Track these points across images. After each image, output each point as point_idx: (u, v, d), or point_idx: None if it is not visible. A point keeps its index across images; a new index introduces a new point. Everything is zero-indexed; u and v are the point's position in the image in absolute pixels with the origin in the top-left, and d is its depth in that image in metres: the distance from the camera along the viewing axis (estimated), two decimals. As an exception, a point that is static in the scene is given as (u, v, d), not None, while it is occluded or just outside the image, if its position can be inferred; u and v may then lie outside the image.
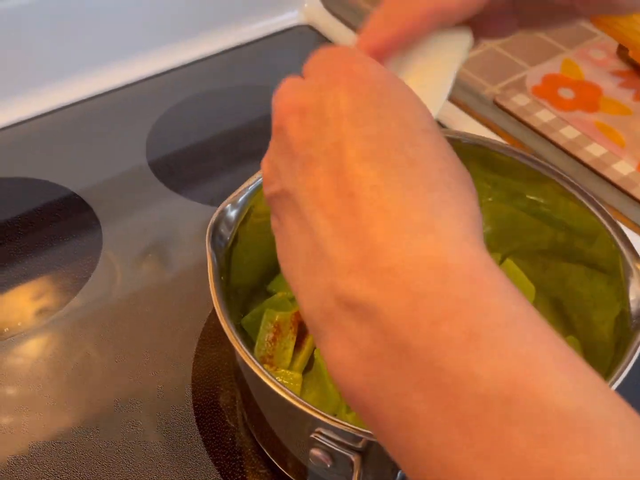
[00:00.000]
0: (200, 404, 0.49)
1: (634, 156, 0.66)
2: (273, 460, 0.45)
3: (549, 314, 0.51)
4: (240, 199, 0.46)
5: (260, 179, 0.47)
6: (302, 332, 0.49)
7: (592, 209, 0.46)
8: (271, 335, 0.48)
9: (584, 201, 0.47)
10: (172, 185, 0.64)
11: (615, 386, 0.37)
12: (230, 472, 0.46)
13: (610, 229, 0.45)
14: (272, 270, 0.52)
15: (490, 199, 0.52)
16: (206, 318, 0.54)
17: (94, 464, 0.46)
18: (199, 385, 0.50)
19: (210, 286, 0.40)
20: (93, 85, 0.70)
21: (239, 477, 0.45)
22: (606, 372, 0.38)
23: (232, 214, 0.46)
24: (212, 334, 0.53)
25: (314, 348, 0.47)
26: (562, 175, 0.48)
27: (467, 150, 0.50)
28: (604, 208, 0.46)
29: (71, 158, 0.66)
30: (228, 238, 0.45)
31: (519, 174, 0.49)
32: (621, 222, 0.61)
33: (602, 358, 0.43)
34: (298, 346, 0.49)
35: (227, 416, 0.48)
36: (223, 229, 0.45)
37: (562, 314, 0.51)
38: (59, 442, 0.47)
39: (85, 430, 0.47)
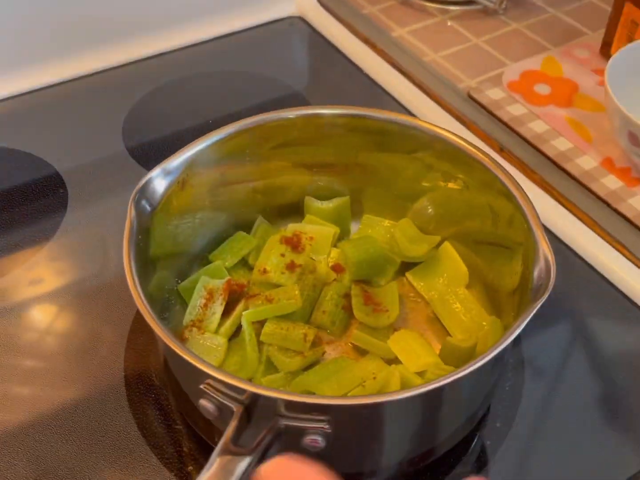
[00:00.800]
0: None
1: (599, 152, 0.66)
2: (187, 420, 0.47)
3: (481, 296, 0.52)
4: (173, 165, 0.49)
5: (197, 148, 0.50)
6: (232, 300, 0.51)
7: (511, 189, 0.47)
8: (203, 301, 0.51)
9: (505, 182, 0.48)
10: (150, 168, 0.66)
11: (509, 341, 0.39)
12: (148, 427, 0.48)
13: (525, 209, 0.46)
14: (214, 240, 0.55)
15: (425, 183, 0.53)
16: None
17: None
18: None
19: (124, 248, 0.43)
20: (76, 67, 0.74)
21: (157, 431, 0.48)
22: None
23: (164, 180, 0.48)
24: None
25: (241, 315, 0.49)
26: (486, 159, 0.49)
27: (404, 134, 0.52)
28: (522, 188, 0.47)
29: (53, 135, 0.69)
30: (156, 203, 0.47)
31: (450, 157, 0.51)
32: (578, 217, 0.61)
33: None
34: (227, 313, 0.51)
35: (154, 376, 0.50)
36: (151, 194, 0.47)
37: (492, 296, 0.52)
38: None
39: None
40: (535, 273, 0.42)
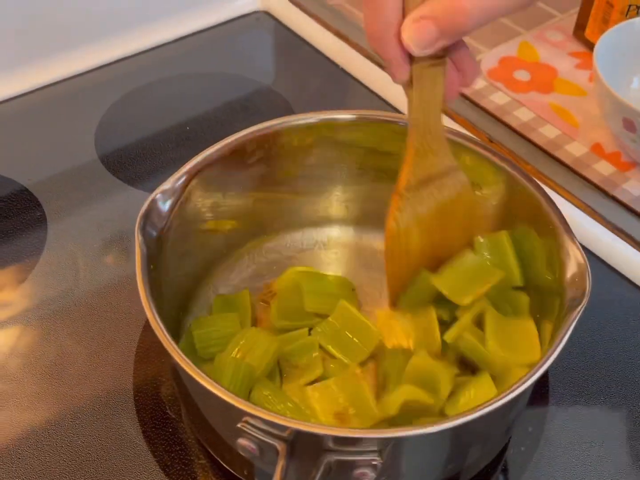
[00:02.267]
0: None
1: (587, 137, 0.66)
2: (213, 455, 0.45)
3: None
4: (176, 185, 0.46)
5: (195, 162, 0.47)
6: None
7: (536, 192, 0.46)
8: None
9: (527, 183, 0.47)
10: (125, 178, 0.63)
11: (552, 358, 0.37)
12: (169, 464, 0.45)
13: (551, 211, 0.45)
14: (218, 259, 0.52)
15: None
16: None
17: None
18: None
19: (137, 276, 0.40)
20: (40, 76, 0.69)
21: (178, 467, 0.45)
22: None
23: (167, 202, 0.45)
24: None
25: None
26: (514, 163, 0.48)
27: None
28: (546, 192, 0.46)
29: (19, 151, 0.65)
30: (162, 226, 0.44)
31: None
32: (574, 204, 0.61)
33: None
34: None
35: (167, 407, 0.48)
36: (155, 218, 0.44)
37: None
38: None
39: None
40: (568, 277, 0.41)
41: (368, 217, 0.55)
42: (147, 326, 0.52)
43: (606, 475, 0.46)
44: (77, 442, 0.46)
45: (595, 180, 0.62)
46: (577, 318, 0.39)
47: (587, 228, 0.59)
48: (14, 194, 0.61)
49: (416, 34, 0.37)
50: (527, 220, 0.47)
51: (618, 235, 0.59)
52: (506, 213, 0.49)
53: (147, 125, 0.68)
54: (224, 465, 0.44)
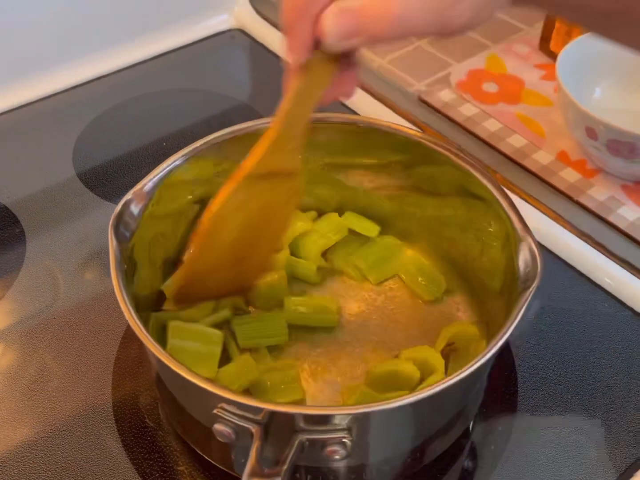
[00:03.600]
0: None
1: (553, 146, 0.68)
2: (197, 450, 0.46)
3: (467, 303, 0.53)
4: (146, 188, 0.47)
5: (168, 168, 0.49)
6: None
7: (485, 181, 0.48)
8: None
9: (477, 175, 0.48)
10: (103, 194, 0.64)
11: (505, 337, 0.40)
12: (148, 472, 0.46)
13: (500, 199, 0.47)
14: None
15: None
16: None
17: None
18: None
19: (112, 277, 0.41)
20: (17, 95, 0.71)
21: (157, 475, 0.46)
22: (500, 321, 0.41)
23: (138, 205, 0.46)
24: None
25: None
26: (458, 153, 0.50)
27: (369, 132, 0.52)
28: (495, 180, 0.48)
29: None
30: (134, 227, 0.45)
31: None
32: (541, 211, 0.63)
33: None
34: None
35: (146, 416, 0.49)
36: (128, 219, 0.45)
37: (479, 301, 0.52)
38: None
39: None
40: (521, 262, 0.43)
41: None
42: (125, 338, 0.53)
43: (573, 476, 0.47)
44: (58, 455, 0.47)
45: (562, 187, 0.64)
46: (529, 298, 0.41)
47: (554, 234, 0.61)
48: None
49: (336, 25, 0.36)
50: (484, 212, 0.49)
51: (585, 241, 0.60)
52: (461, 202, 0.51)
53: (124, 142, 0.69)
54: (202, 454, 0.45)
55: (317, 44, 0.38)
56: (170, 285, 0.51)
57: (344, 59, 0.40)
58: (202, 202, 0.52)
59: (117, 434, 0.48)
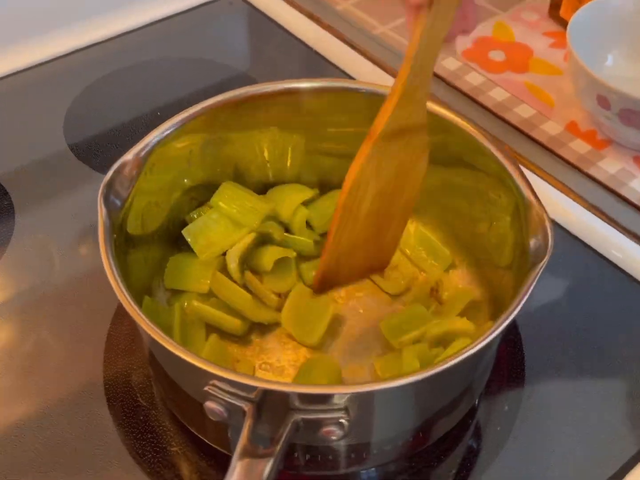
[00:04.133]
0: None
1: (562, 116, 0.65)
2: (191, 429, 0.44)
3: (472, 275, 0.51)
4: (138, 155, 0.45)
5: (164, 134, 0.46)
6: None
7: (495, 151, 0.46)
8: None
9: (487, 144, 0.46)
10: (96, 166, 0.62)
11: (515, 313, 0.38)
12: (141, 452, 0.44)
13: (510, 170, 0.45)
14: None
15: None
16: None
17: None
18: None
19: (100, 246, 0.39)
20: (6, 63, 0.68)
21: (150, 455, 0.44)
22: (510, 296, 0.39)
23: (130, 173, 0.44)
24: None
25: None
26: (467, 121, 0.48)
27: (372, 98, 0.50)
28: (506, 150, 0.46)
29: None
30: (126, 196, 0.43)
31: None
32: (550, 183, 0.61)
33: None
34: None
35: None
36: (119, 187, 0.43)
37: (485, 274, 0.50)
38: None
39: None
40: (531, 236, 0.41)
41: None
42: (116, 315, 0.51)
43: (580, 453, 0.45)
44: (48, 434, 0.45)
45: (571, 159, 0.62)
46: (540, 273, 0.39)
47: (563, 206, 0.59)
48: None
49: None
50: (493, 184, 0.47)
51: (594, 213, 0.58)
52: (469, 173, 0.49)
53: (118, 112, 0.67)
54: (197, 434, 0.43)
55: None
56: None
57: None
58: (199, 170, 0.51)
59: (109, 413, 0.46)
